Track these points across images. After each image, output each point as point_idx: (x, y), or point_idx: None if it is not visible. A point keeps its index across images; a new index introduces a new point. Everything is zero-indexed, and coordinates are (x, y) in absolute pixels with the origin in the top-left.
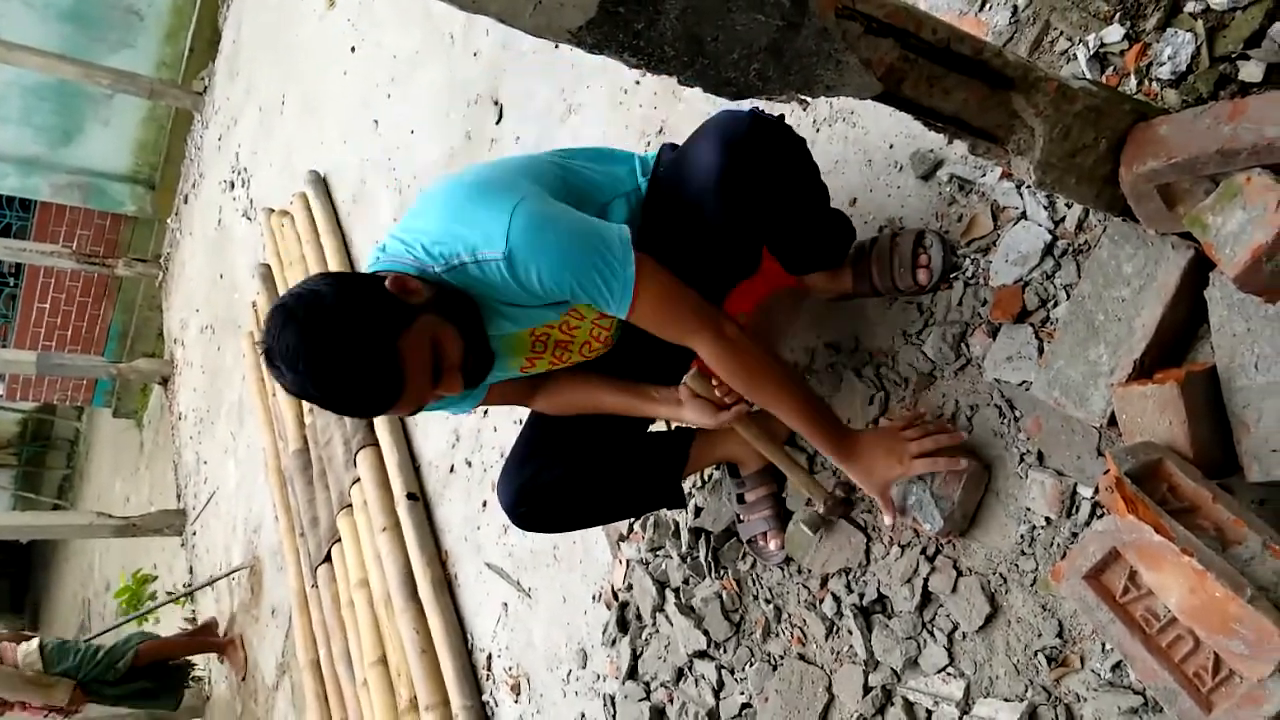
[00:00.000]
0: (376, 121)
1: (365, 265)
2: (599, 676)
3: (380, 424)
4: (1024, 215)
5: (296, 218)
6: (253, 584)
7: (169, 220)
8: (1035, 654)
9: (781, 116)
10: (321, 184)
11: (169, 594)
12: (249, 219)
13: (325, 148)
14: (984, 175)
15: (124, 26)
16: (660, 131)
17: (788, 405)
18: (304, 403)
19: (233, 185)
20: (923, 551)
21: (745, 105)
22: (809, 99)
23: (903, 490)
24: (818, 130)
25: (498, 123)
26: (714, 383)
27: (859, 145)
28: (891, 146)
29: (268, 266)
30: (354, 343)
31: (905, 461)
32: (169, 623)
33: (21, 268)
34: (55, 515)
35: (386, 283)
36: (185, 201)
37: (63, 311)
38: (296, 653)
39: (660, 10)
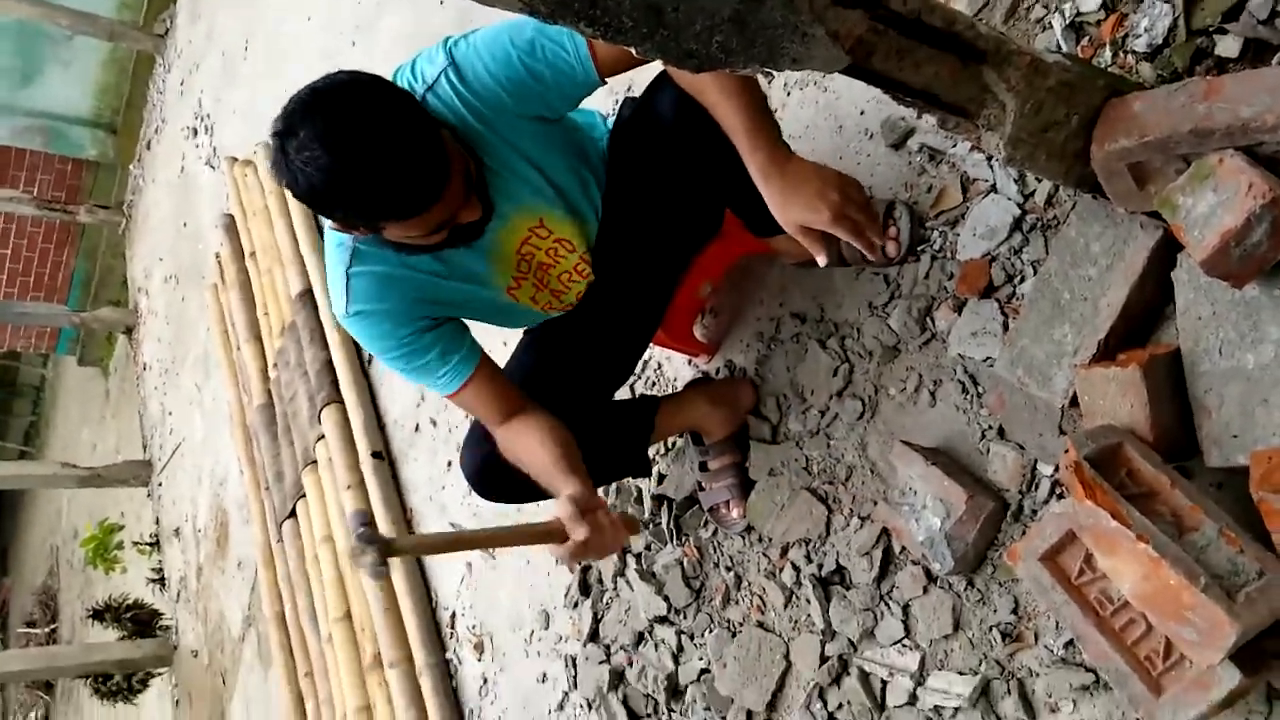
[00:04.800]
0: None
1: None
2: (561, 638)
3: (345, 381)
4: (994, 188)
5: (260, 167)
6: (219, 536)
7: (131, 166)
8: (990, 629)
9: None
10: None
11: (135, 544)
12: (212, 167)
13: (289, 95)
14: (954, 145)
15: None
16: (629, 89)
17: (739, 91)
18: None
19: (196, 132)
20: (884, 532)
21: None
22: (774, 72)
23: (913, 521)
24: (788, 94)
25: None
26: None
27: (830, 110)
28: (862, 113)
29: (231, 217)
30: (401, 118)
31: (832, 210)
32: (136, 572)
33: None
34: (19, 465)
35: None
36: (148, 148)
37: (24, 258)
38: (262, 606)
39: None
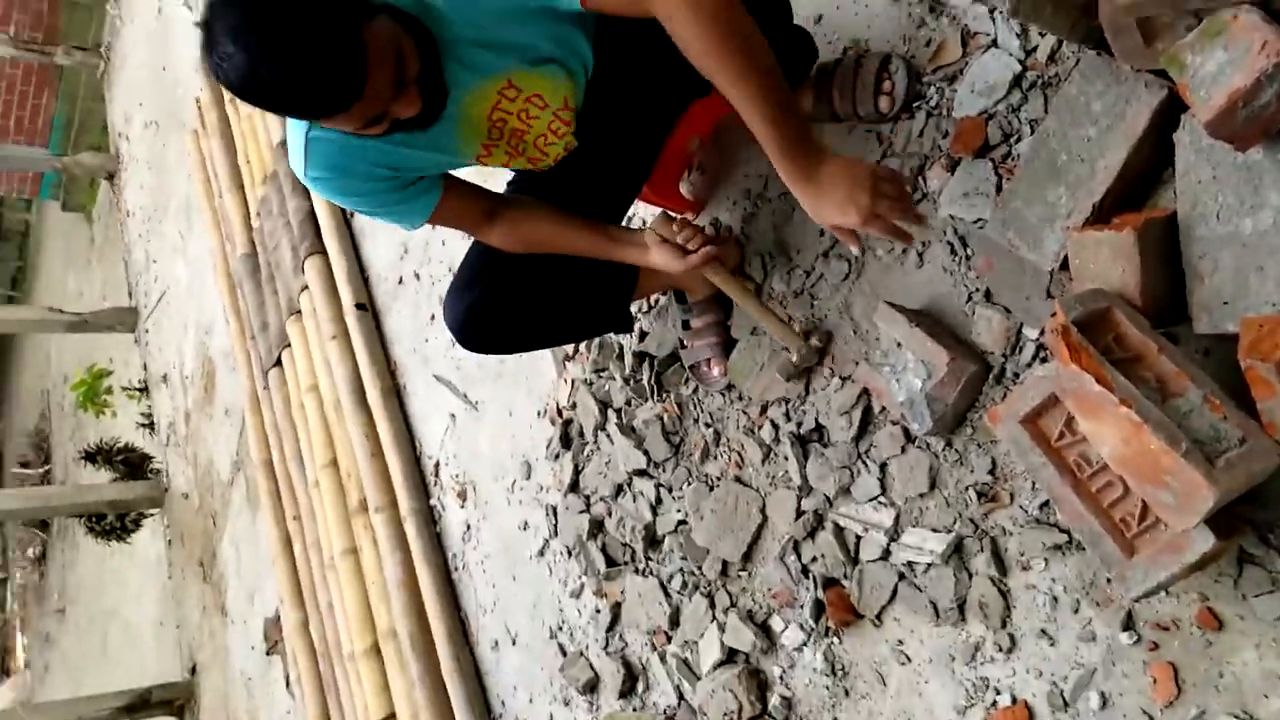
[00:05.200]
0: None
1: None
2: (542, 488)
3: (328, 232)
4: (995, 43)
5: None
6: (206, 384)
7: (108, 6)
8: (966, 489)
9: None
10: None
11: (124, 389)
12: (189, 9)
13: None
14: None
15: None
16: None
17: (756, 86)
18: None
19: None
20: (864, 392)
21: None
22: None
23: (894, 381)
24: None
25: None
26: (675, 227)
27: None
28: None
29: None
30: (317, 12)
31: (861, 215)
32: (125, 416)
33: None
34: (7, 309)
35: None
36: None
37: (3, 100)
38: (250, 452)
39: None
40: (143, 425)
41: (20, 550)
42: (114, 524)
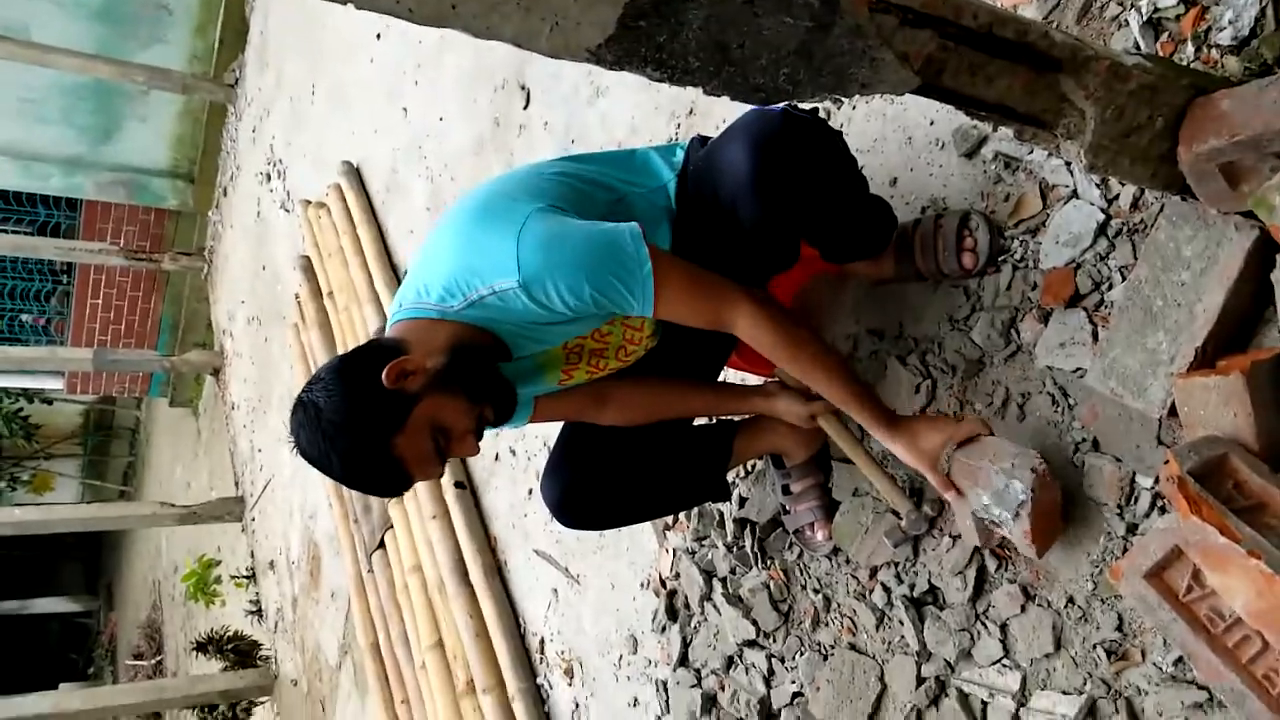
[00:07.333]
0: (405, 109)
1: (389, 318)
2: (650, 662)
3: None
4: (1075, 194)
5: (333, 209)
6: (312, 568)
7: (210, 213)
8: (1094, 647)
9: (815, 111)
10: (355, 174)
11: (232, 577)
12: (287, 210)
13: (357, 137)
14: (1031, 152)
15: (154, 22)
16: (690, 112)
17: (831, 376)
18: None
19: (269, 177)
20: (977, 550)
21: None
22: (843, 98)
23: (983, 479)
24: (854, 107)
25: (525, 108)
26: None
27: (898, 122)
28: (932, 123)
29: (308, 258)
30: (351, 454)
31: (951, 427)
32: (234, 604)
33: (73, 266)
34: (120, 506)
35: (383, 376)
36: (224, 194)
37: (114, 306)
38: (356, 635)
39: (682, 21)
40: (251, 612)
41: None
42: (225, 714)
